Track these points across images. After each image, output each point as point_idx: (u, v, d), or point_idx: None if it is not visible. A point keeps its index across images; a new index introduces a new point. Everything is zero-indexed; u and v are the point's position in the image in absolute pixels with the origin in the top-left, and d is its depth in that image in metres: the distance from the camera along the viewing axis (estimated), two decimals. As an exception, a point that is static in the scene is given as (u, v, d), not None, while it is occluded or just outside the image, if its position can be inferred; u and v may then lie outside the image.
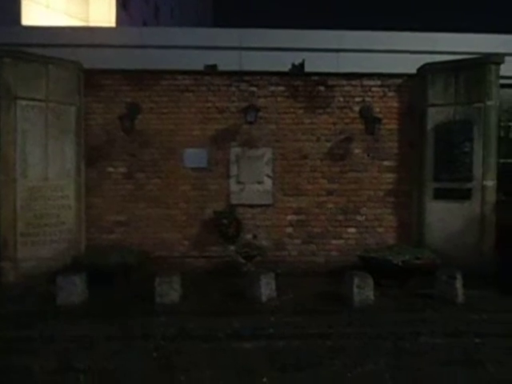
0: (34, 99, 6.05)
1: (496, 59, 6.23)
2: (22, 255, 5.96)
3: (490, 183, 6.20)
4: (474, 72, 6.27)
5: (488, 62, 6.23)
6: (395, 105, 6.83)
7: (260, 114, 6.63)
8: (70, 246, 6.35)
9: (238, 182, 6.80)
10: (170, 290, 5.02)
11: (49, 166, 6.19)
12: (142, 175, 6.77)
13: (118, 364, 3.60)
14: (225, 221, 6.57)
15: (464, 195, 6.31)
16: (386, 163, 6.84)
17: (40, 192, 6.11)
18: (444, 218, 6.40)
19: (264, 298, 5.10)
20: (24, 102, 5.98)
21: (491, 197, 6.20)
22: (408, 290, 5.53)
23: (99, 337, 4.08)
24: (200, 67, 6.51)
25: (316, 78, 6.81)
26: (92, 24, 16.74)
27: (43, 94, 6.14)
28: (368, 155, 6.83)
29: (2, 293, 5.53)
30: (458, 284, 5.09)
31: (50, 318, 4.54)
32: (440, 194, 6.46)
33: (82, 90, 6.60)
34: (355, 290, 4.95)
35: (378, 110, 6.78)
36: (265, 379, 3.39)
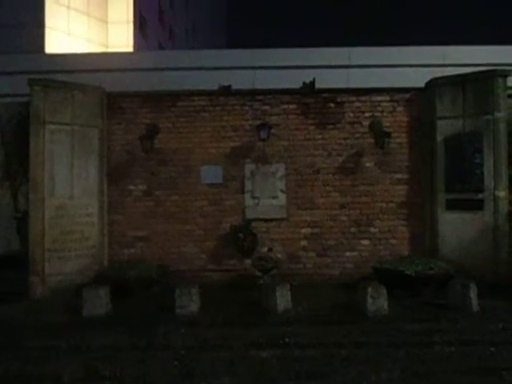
0: (60, 123, 6.47)
1: (503, 72, 6.33)
2: (49, 270, 6.28)
3: (502, 193, 6.24)
4: (481, 85, 6.38)
5: (495, 74, 6.33)
6: (404, 119, 6.98)
7: (273, 131, 6.84)
8: (93, 260, 6.64)
9: (253, 197, 7.00)
10: (189, 302, 5.20)
11: (74, 186, 6.55)
12: (161, 192, 7.04)
13: (142, 372, 3.74)
14: (241, 235, 6.73)
15: (476, 206, 6.36)
16: (397, 176, 6.95)
17: (66, 210, 6.45)
18: (457, 229, 6.45)
19: (280, 309, 5.21)
20: (52, 126, 6.39)
21: (503, 207, 6.22)
22: (422, 300, 5.56)
23: (123, 346, 4.26)
24: (215, 87, 6.75)
25: (326, 95, 7.02)
26: (111, 48, 17.50)
27: (69, 119, 6.54)
28: (379, 168, 6.97)
29: (31, 305, 5.80)
30: (472, 294, 5.12)
31: (76, 328, 4.77)
32: (452, 205, 6.52)
33: (105, 113, 6.96)
34: (369, 300, 5.03)
35: (387, 124, 6.90)
36: (281, 387, 3.50)
